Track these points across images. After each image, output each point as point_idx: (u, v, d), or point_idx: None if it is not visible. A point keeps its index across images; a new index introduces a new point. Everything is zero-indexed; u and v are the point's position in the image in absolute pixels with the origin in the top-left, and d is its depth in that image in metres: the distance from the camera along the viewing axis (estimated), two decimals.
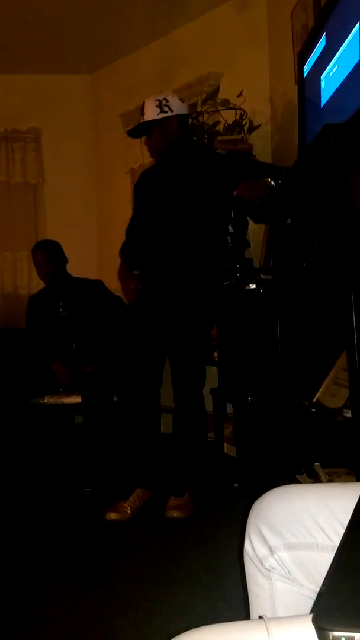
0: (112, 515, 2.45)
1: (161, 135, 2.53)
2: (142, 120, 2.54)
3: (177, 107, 2.53)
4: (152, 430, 2.62)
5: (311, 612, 0.76)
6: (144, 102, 2.55)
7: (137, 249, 2.67)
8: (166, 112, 2.50)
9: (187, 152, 2.57)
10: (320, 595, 0.84)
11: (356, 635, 0.48)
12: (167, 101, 2.51)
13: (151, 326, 2.57)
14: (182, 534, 2.30)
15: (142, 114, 2.53)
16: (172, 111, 2.51)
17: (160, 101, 2.51)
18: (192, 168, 2.55)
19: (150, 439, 2.61)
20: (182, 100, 2.60)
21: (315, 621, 0.50)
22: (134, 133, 2.63)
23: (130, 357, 2.64)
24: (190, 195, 2.52)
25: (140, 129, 2.58)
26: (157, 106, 2.49)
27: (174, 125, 2.53)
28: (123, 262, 2.74)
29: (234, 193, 2.33)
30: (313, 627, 0.50)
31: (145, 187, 2.69)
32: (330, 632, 0.48)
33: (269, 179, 2.21)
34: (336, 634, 0.48)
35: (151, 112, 2.50)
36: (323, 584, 0.77)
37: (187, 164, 2.56)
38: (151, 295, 2.57)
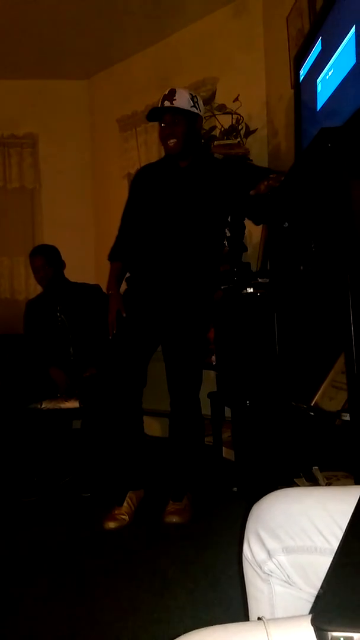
0: (110, 525, 2.43)
1: (188, 127, 2.48)
2: (170, 105, 2.44)
3: (202, 109, 2.58)
4: (134, 430, 2.57)
5: (310, 613, 0.75)
6: (174, 89, 2.48)
7: (132, 248, 2.64)
8: (197, 108, 2.51)
9: (195, 156, 2.56)
10: (318, 596, 0.83)
11: (355, 635, 0.47)
12: (197, 100, 2.52)
13: (141, 327, 2.54)
14: (181, 538, 2.29)
15: (173, 99, 2.44)
16: (199, 111, 2.54)
17: (193, 96, 2.50)
18: (198, 173, 2.55)
19: (133, 439, 2.57)
20: None
21: (314, 622, 0.50)
22: (154, 116, 2.50)
23: (115, 357, 2.61)
24: (193, 200, 2.52)
25: (160, 113, 2.48)
26: (190, 99, 2.48)
27: (198, 124, 2.57)
28: (113, 269, 2.71)
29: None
30: (312, 628, 0.50)
31: (145, 184, 2.64)
32: (329, 633, 0.48)
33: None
34: (335, 634, 0.48)
35: (185, 102, 2.45)
36: (321, 586, 0.77)
37: (193, 168, 2.55)
38: (146, 296, 2.56)
